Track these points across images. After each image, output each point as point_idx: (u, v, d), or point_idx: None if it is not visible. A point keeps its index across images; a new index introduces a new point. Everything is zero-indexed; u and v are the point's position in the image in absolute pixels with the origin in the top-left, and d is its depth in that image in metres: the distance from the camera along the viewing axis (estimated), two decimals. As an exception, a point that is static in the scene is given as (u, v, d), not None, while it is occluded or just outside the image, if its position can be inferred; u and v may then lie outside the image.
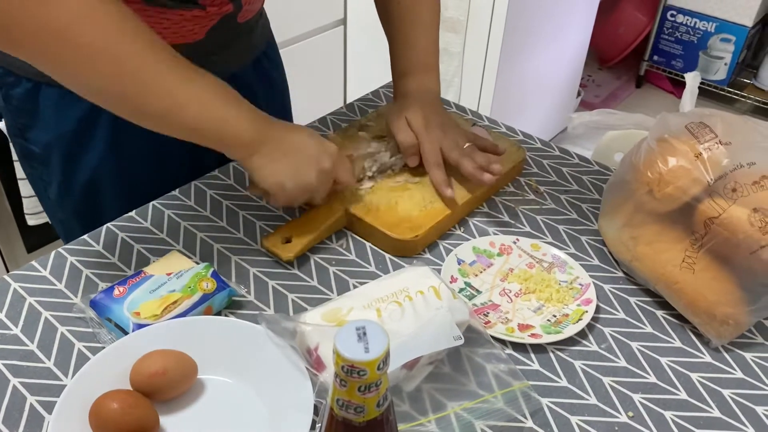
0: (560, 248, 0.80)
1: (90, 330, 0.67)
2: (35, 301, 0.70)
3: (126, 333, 0.64)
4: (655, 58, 2.99)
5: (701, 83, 2.87)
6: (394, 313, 0.64)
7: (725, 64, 2.79)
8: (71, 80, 0.64)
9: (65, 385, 0.60)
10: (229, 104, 0.70)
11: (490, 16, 1.91)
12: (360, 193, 0.83)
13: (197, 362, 0.62)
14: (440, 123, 0.86)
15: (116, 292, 0.67)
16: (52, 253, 0.76)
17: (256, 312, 0.70)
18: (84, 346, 0.66)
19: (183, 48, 0.73)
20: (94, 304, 0.67)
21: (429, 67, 0.91)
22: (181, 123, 0.68)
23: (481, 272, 0.76)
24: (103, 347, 0.64)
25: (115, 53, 0.62)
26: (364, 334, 0.40)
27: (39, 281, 0.72)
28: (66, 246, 0.77)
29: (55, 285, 0.72)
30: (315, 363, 0.60)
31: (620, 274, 0.78)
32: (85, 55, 0.61)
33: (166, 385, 0.59)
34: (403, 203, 0.82)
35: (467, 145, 0.85)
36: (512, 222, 0.85)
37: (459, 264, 0.77)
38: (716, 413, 0.63)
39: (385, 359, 0.40)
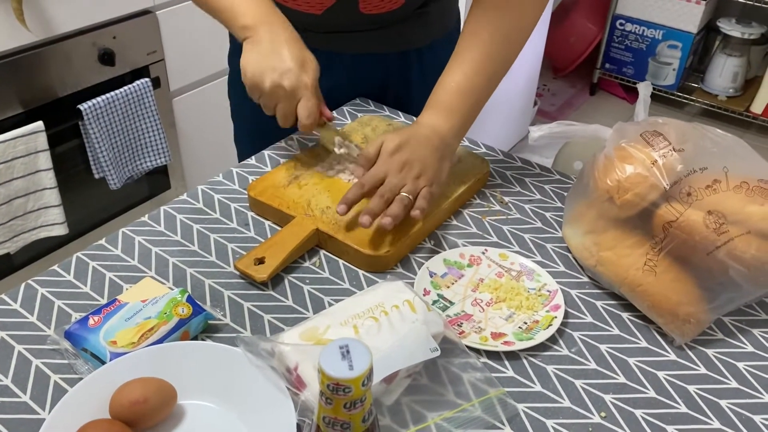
0: (527, 256, 0.83)
1: (66, 361, 0.66)
2: (7, 335, 0.69)
3: (103, 362, 0.63)
4: (607, 65, 3.08)
5: (653, 89, 2.98)
6: (371, 328, 0.65)
7: (673, 69, 2.89)
8: None
9: (43, 419, 0.59)
10: None
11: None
12: (330, 211, 0.84)
13: (177, 388, 0.62)
14: (407, 159, 0.81)
15: (91, 321, 0.67)
16: (22, 285, 0.75)
17: (233, 335, 0.71)
18: (60, 378, 0.65)
19: (302, 17, 0.95)
20: (69, 335, 0.66)
21: (450, 108, 0.86)
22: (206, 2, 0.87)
23: (452, 284, 0.78)
24: (81, 378, 0.63)
25: None
26: (348, 352, 0.41)
27: (9, 314, 0.72)
28: (35, 278, 0.76)
29: (26, 318, 0.71)
30: (295, 382, 0.61)
31: (585, 279, 0.81)
32: None
33: (147, 412, 0.59)
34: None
35: (404, 195, 0.79)
36: (480, 233, 0.87)
37: (431, 277, 0.79)
38: (683, 409, 0.66)
39: (369, 375, 0.41)
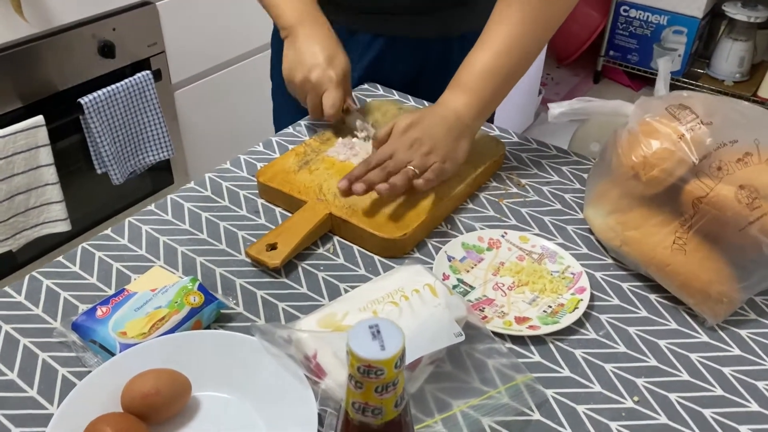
0: (548, 239, 0.80)
1: (74, 354, 0.64)
2: (12, 328, 0.67)
3: (113, 354, 0.61)
4: (611, 53, 3.04)
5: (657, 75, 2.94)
6: (392, 313, 0.62)
7: (679, 55, 2.86)
8: None
9: (51, 414, 0.57)
10: None
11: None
12: (342, 198, 0.81)
13: (191, 379, 0.59)
14: (418, 137, 0.80)
15: (99, 312, 0.64)
16: (26, 278, 0.72)
17: (247, 324, 0.68)
18: (68, 372, 0.62)
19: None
20: (76, 327, 0.63)
21: (471, 88, 0.83)
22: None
23: (472, 268, 0.75)
24: (90, 371, 0.61)
25: None
26: (378, 332, 0.38)
27: (14, 307, 0.69)
28: (40, 269, 0.74)
29: (31, 310, 0.69)
30: (315, 370, 0.58)
31: (609, 260, 0.78)
32: None
33: (159, 405, 0.57)
34: (388, 203, 0.81)
35: (409, 168, 0.78)
36: (498, 216, 0.84)
37: (449, 261, 0.76)
38: (719, 391, 0.63)
39: (402, 356, 0.38)
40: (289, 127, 1.00)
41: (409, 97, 1.08)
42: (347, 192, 0.78)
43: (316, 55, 0.90)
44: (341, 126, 0.95)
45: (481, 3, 1.01)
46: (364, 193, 0.77)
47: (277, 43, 1.11)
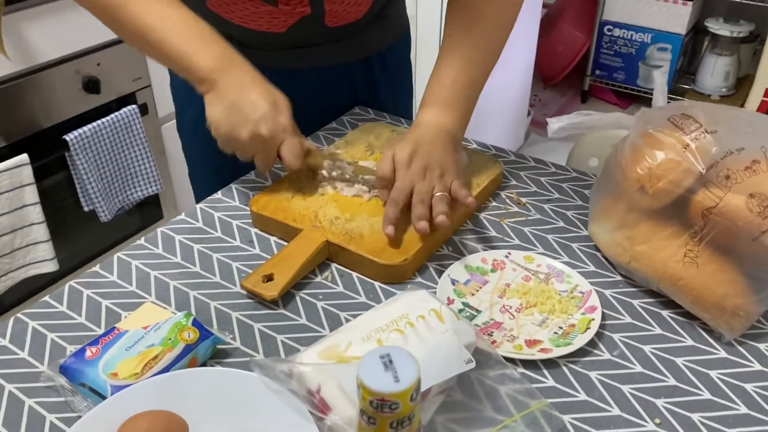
0: (554, 257, 0.78)
1: (62, 399, 0.60)
2: (-4, 374, 0.63)
3: (104, 397, 0.57)
4: (597, 72, 3.06)
5: (645, 92, 2.96)
6: (397, 342, 0.59)
7: (664, 72, 2.87)
8: None
9: (39, 465, 0.53)
10: (199, 39, 0.77)
11: (438, 44, 1.91)
12: (339, 221, 0.79)
13: (188, 421, 0.55)
14: (426, 163, 0.79)
15: (88, 353, 0.60)
16: (11, 320, 0.69)
17: (245, 359, 0.65)
18: (57, 418, 0.59)
19: (265, 37, 0.92)
20: (64, 370, 0.60)
21: (451, 102, 0.85)
22: (150, 48, 0.78)
23: (477, 291, 0.73)
24: (80, 416, 0.57)
25: None
26: (390, 361, 0.35)
27: (-2, 352, 0.65)
28: (26, 311, 0.70)
29: (17, 354, 0.65)
30: (319, 405, 0.55)
31: (618, 277, 0.76)
32: None
33: (155, 450, 0.53)
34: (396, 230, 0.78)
35: (439, 193, 0.77)
36: (500, 236, 0.82)
37: (453, 284, 0.73)
38: (744, 409, 0.60)
39: (417, 388, 0.35)
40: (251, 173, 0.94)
41: (402, 120, 1.06)
42: (393, 233, 0.75)
43: (258, 104, 0.76)
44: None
45: (391, 17, 1.03)
46: (429, 230, 0.74)
47: (189, 96, 0.96)
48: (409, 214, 0.77)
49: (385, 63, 1.06)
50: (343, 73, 1.04)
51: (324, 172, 0.86)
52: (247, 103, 0.76)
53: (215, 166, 0.99)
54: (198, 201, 0.92)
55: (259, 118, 0.76)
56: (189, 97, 1.00)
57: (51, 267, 1.50)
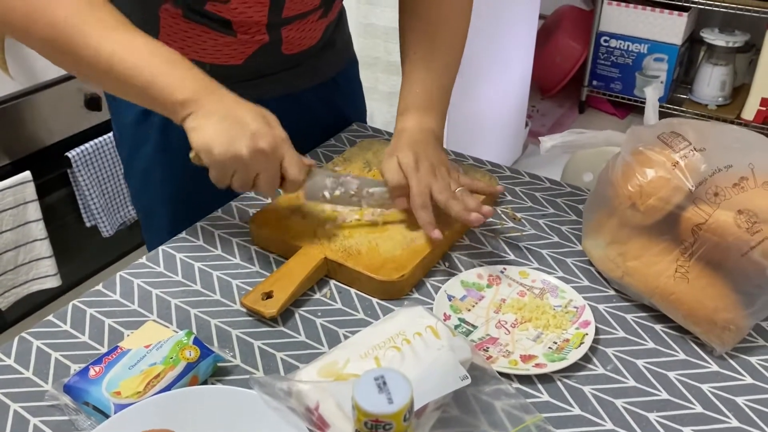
0: (548, 272, 0.79)
1: (66, 418, 0.61)
2: (1, 393, 0.64)
3: (108, 416, 0.58)
4: (594, 83, 3.08)
5: (642, 102, 2.97)
6: (394, 359, 0.61)
7: (661, 82, 2.90)
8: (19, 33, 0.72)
9: (44, 483, 0.54)
10: (172, 65, 0.71)
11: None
12: (337, 238, 0.80)
13: (189, 438, 0.57)
14: (431, 164, 0.82)
15: (92, 372, 0.62)
16: (15, 339, 0.70)
17: (245, 377, 0.66)
18: (61, 437, 0.60)
19: (222, 70, 0.87)
20: (68, 389, 0.61)
21: (430, 106, 0.89)
22: (114, 79, 0.70)
23: (473, 306, 0.74)
24: (84, 435, 0.58)
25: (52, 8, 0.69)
26: (384, 383, 0.37)
27: (4, 371, 0.67)
28: (30, 330, 0.72)
29: (22, 373, 0.66)
30: (317, 422, 0.56)
31: (612, 292, 0.77)
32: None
33: (158, 468, 0.54)
34: (384, 244, 0.79)
35: (459, 188, 0.81)
36: (495, 252, 0.83)
37: (450, 300, 0.74)
38: (734, 423, 0.61)
39: (411, 408, 0.36)
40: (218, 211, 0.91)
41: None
42: (441, 236, 0.78)
43: (249, 120, 0.70)
44: (332, 168, 0.93)
45: (338, 43, 1.05)
46: (479, 222, 0.77)
47: (133, 143, 0.96)
48: (410, 228, 0.80)
49: (338, 87, 1.07)
50: (301, 101, 1.01)
51: (326, 192, 0.81)
52: (237, 120, 0.70)
53: (170, 214, 0.97)
54: (150, 250, 0.85)
55: (254, 132, 0.70)
56: (137, 144, 0.96)
57: (54, 282, 1.52)
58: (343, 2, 1.02)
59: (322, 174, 0.81)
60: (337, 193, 0.81)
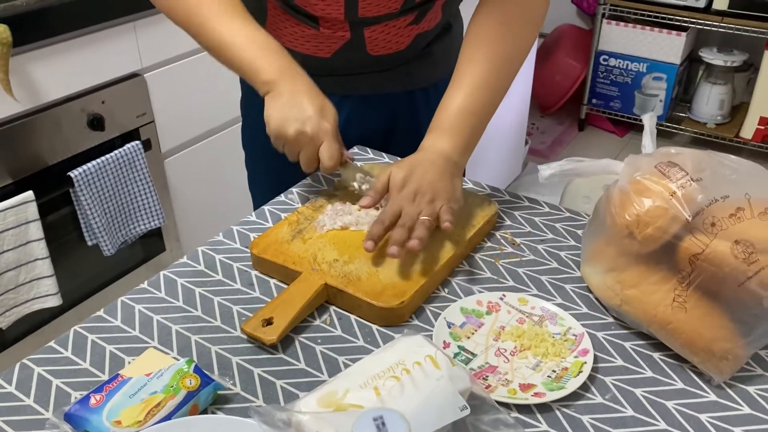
0: (547, 299, 0.79)
1: (67, 447, 0.62)
2: (2, 421, 0.64)
3: (108, 446, 0.59)
4: (594, 101, 3.10)
5: (641, 121, 2.99)
6: (394, 389, 0.61)
7: (660, 101, 2.92)
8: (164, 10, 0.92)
9: None
10: (266, 50, 0.88)
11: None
12: (338, 263, 0.81)
13: (189, 468, 0.57)
14: (417, 188, 0.83)
15: (92, 401, 0.62)
16: (17, 366, 0.71)
17: (244, 405, 0.66)
18: (61, 466, 0.60)
19: (312, 61, 1.01)
20: (69, 418, 0.61)
21: (451, 128, 0.89)
22: (225, 58, 0.89)
23: (473, 333, 0.74)
24: (84, 465, 0.59)
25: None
26: (383, 424, 0.37)
27: (4, 398, 0.67)
28: (31, 356, 0.72)
29: (22, 401, 0.67)
30: (317, 454, 0.57)
31: (610, 319, 0.77)
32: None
33: (157, 498, 0.55)
34: (384, 270, 0.80)
35: (423, 218, 0.81)
36: (495, 277, 0.84)
37: (449, 327, 0.75)
38: (732, 454, 0.62)
39: (409, 448, 0.37)
40: (281, 195, 1.00)
41: (384, 154, 1.09)
42: (372, 250, 0.80)
43: (306, 107, 0.85)
44: (332, 192, 0.95)
45: (437, 54, 1.08)
46: (399, 255, 0.78)
47: (250, 109, 1.14)
48: (409, 253, 0.80)
49: (429, 100, 1.10)
50: (386, 103, 1.10)
51: (355, 184, 0.92)
52: (297, 105, 0.85)
53: (269, 171, 1.14)
54: (255, 208, 1.07)
55: (305, 118, 0.85)
56: (249, 112, 1.16)
57: (55, 301, 1.52)
58: (461, 18, 1.07)
59: (353, 169, 0.93)
60: (365, 187, 0.92)
